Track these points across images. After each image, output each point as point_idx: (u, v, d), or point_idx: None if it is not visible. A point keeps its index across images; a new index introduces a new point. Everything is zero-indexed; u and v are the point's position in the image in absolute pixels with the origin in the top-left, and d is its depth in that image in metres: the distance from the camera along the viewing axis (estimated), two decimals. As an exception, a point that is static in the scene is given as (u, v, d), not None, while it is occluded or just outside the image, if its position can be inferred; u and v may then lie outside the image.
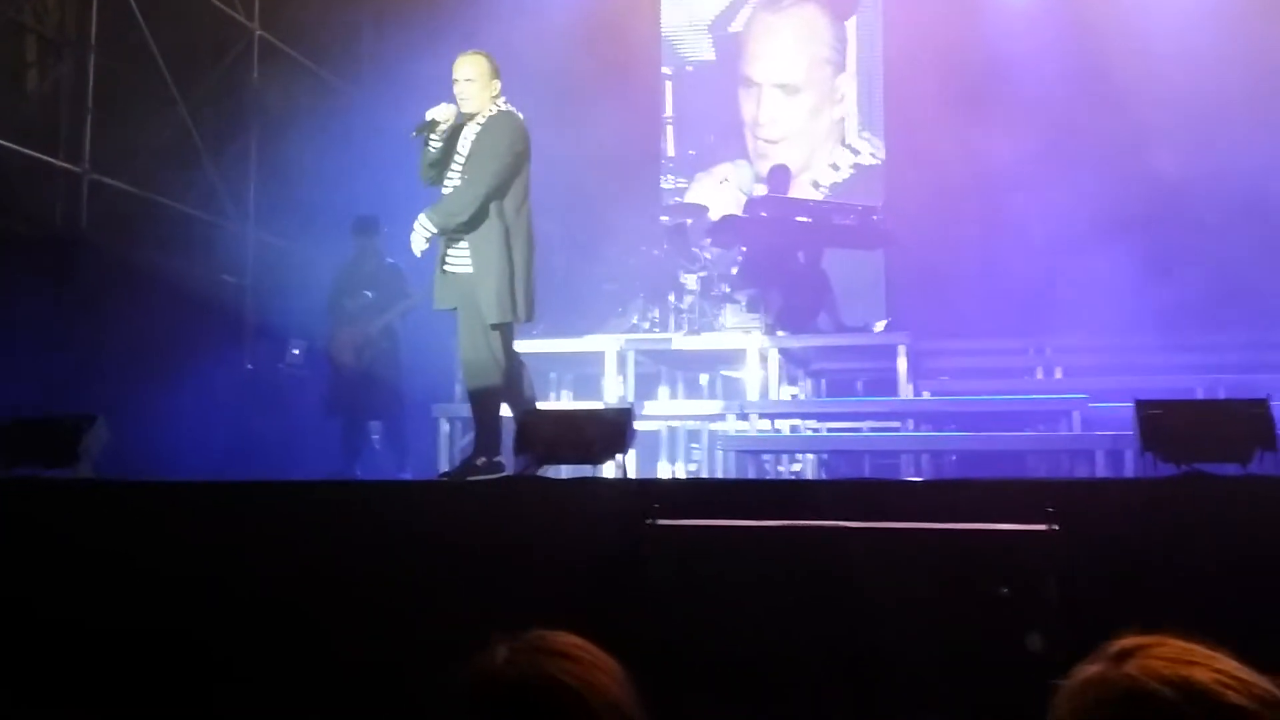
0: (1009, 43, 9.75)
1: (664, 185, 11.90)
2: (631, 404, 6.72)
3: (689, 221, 9.27)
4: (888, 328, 8.51)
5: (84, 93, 8.36)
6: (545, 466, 4.62)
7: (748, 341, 8.03)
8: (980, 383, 8.33)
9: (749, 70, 11.93)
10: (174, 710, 3.93)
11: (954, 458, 7.47)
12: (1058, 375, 8.65)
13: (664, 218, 9.92)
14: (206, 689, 3.97)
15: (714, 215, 9.71)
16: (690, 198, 11.33)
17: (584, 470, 4.61)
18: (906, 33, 11.04)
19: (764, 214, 8.90)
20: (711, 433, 7.90)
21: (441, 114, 5.40)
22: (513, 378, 5.46)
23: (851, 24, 11.80)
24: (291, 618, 4.00)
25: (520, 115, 5.50)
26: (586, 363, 8.09)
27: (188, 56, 9.27)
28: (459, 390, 6.87)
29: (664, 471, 7.90)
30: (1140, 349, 8.39)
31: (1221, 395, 7.01)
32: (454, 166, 5.44)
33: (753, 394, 7.77)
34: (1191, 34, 9.35)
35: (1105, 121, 9.71)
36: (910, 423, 7.61)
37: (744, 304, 8.85)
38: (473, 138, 5.42)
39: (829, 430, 8.20)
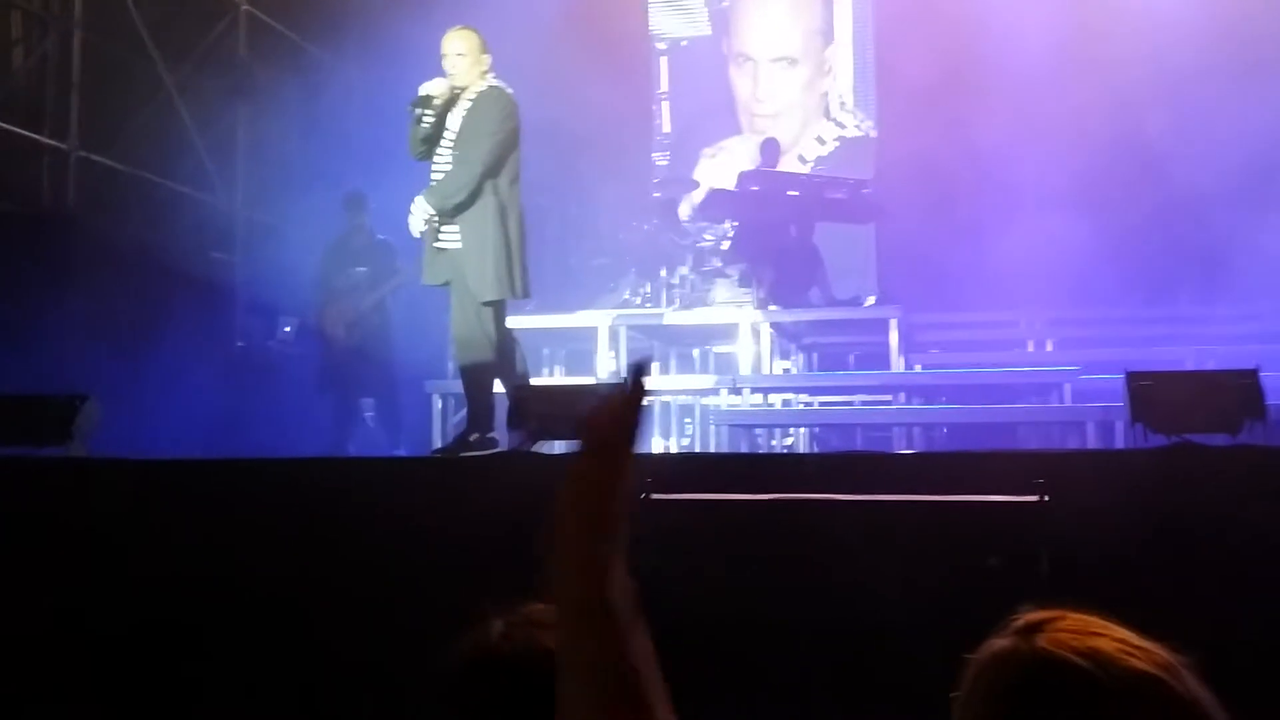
0: (998, 13, 9.72)
1: (658, 162, 11.85)
2: (624, 380, 6.72)
3: (698, 196, 9.21)
4: (879, 301, 8.52)
5: (69, 69, 8.32)
6: (539, 442, 4.63)
7: (740, 316, 8.04)
8: (972, 355, 8.34)
9: (743, 46, 11.84)
10: (169, 689, 3.94)
11: (945, 430, 7.49)
12: (1049, 348, 8.67)
13: (656, 194, 9.89)
14: (199, 667, 3.98)
15: (705, 190, 9.69)
16: (697, 174, 11.25)
17: (577, 445, 4.61)
18: (896, 2, 10.99)
19: (754, 188, 8.89)
20: (704, 407, 7.92)
21: (435, 89, 5.39)
22: (505, 353, 5.46)
23: (840, -6, 11.74)
24: (285, 595, 4.01)
25: (510, 90, 5.49)
26: (579, 338, 8.10)
27: (174, 32, 9.21)
28: (451, 366, 6.87)
29: (657, 446, 7.91)
30: (1131, 321, 8.43)
31: (1211, 366, 7.04)
32: (444, 142, 5.43)
33: (745, 368, 7.78)
34: (1181, 3, 9.33)
35: (1094, 92, 9.69)
36: (902, 396, 7.63)
37: (735, 278, 8.85)
38: (463, 113, 5.41)
39: (821, 404, 8.22)
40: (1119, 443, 5.51)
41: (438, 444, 6.69)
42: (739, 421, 6.90)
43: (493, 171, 5.33)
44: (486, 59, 5.49)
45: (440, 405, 7.44)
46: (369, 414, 8.16)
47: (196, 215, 9.20)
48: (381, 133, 7.45)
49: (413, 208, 5.35)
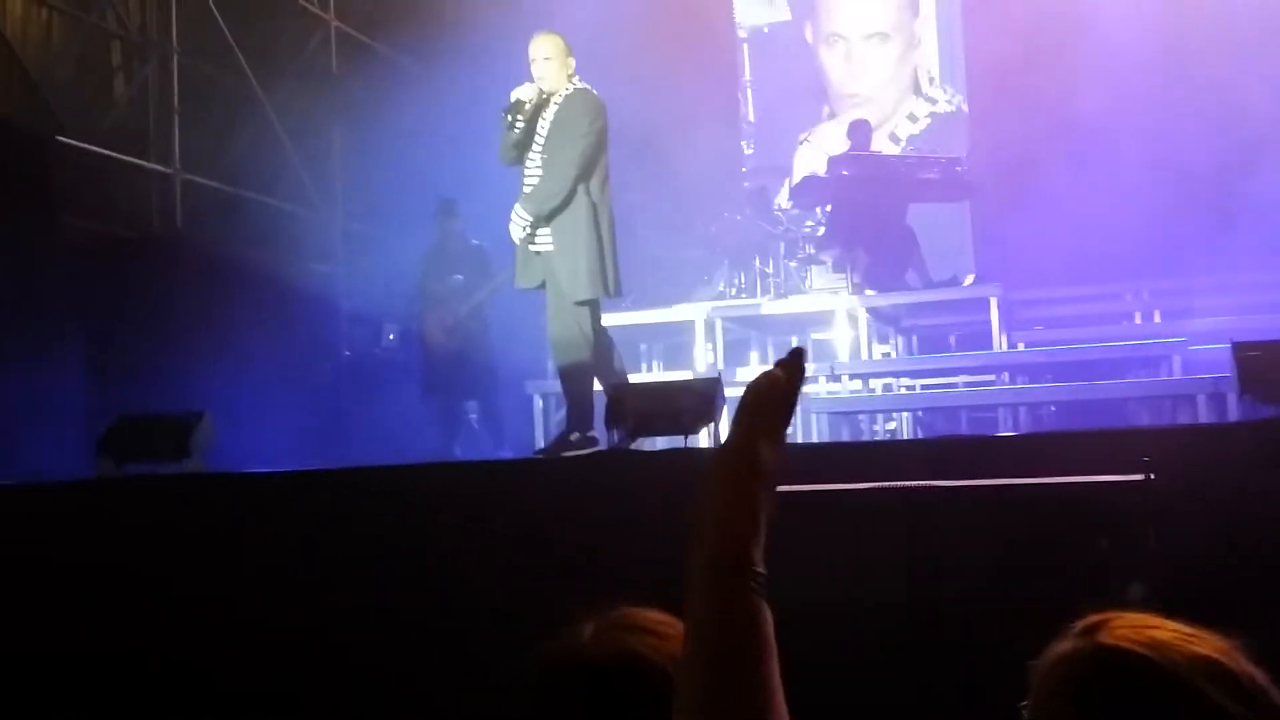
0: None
1: (745, 151, 11.80)
2: (720, 373, 6.73)
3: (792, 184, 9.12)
4: (977, 280, 8.39)
5: (170, 94, 8.57)
6: (638, 439, 4.66)
7: (836, 302, 7.98)
8: (1076, 331, 8.18)
9: (833, 25, 11.68)
10: (288, 694, 4.06)
11: (1053, 409, 7.35)
12: (1156, 319, 8.45)
13: (746, 184, 9.86)
14: (318, 672, 4.09)
15: (798, 176, 9.64)
16: (795, 162, 11.16)
17: (677, 441, 4.64)
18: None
19: (845, 172, 8.82)
20: (804, 396, 7.86)
21: (526, 94, 5.47)
22: (602, 352, 5.52)
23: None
24: (398, 598, 4.10)
25: (596, 92, 5.54)
26: (676, 332, 8.11)
27: (267, 52, 9.45)
28: (550, 367, 6.94)
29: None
30: (1243, 288, 8.15)
31: (1327, 332, 6.80)
32: (534, 146, 5.50)
33: (843, 355, 7.73)
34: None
35: (1192, 59, 9.43)
36: (1005, 376, 7.51)
37: (830, 265, 8.79)
38: (551, 117, 5.49)
39: (922, 387, 8.12)
40: (1232, 415, 5.37)
41: (540, 444, 6.76)
42: (840, 409, 6.86)
43: (585, 174, 5.40)
44: (572, 62, 5.56)
45: (541, 405, 7.53)
46: (473, 416, 8.28)
47: (297, 230, 9.42)
48: (471, 139, 7.55)
49: (513, 215, 5.45)
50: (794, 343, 8.86)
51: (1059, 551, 3.35)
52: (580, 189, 5.39)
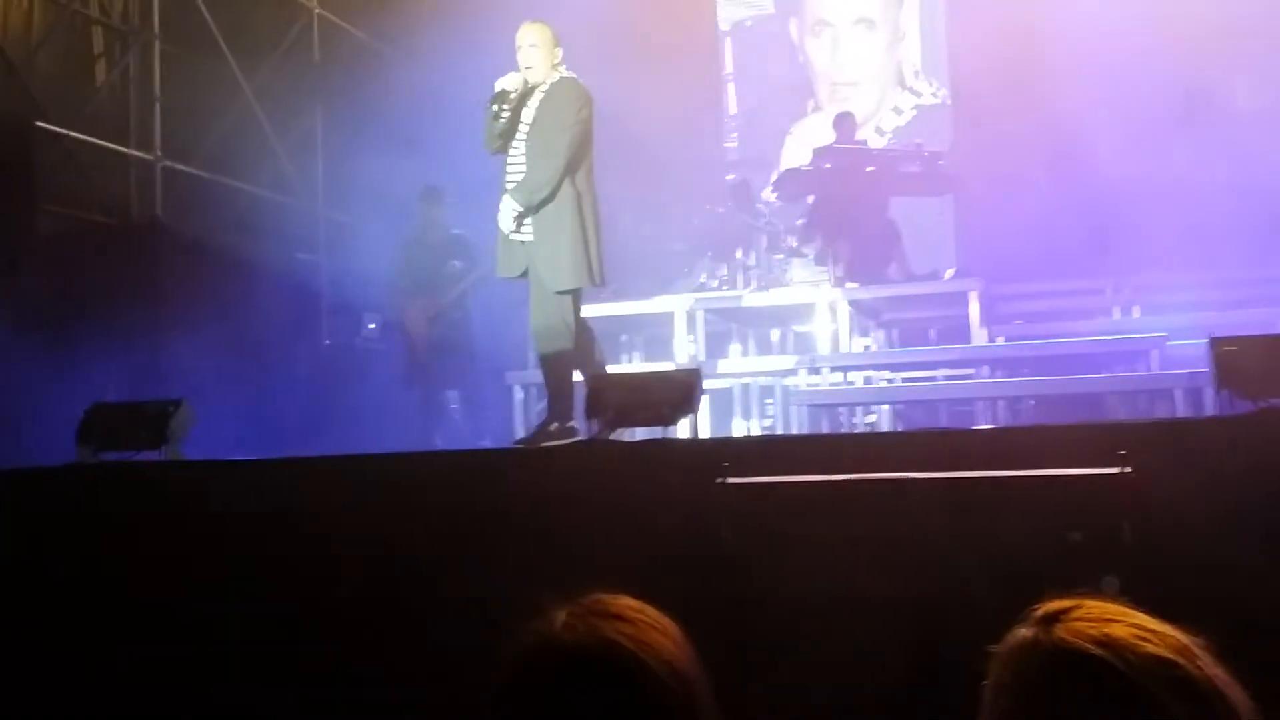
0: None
1: (727, 144, 11.81)
2: (700, 364, 6.74)
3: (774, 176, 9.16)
4: (958, 274, 8.41)
5: (151, 81, 8.52)
6: (617, 430, 4.67)
7: (817, 295, 8.00)
8: (1056, 326, 8.19)
9: (821, 12, 11.72)
10: (269, 683, 4.06)
11: (1031, 403, 7.38)
12: (1135, 314, 8.49)
13: (729, 176, 9.86)
14: (297, 660, 4.09)
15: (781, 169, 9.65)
16: (784, 156, 11.16)
17: (656, 432, 4.66)
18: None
19: (828, 165, 8.83)
20: (784, 388, 7.89)
21: (511, 83, 5.46)
22: (583, 343, 5.52)
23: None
24: (376, 587, 4.10)
25: (582, 81, 5.54)
26: (656, 324, 8.11)
27: (249, 39, 9.41)
28: (532, 357, 6.94)
29: (739, 429, 7.91)
30: (1222, 284, 8.20)
31: (1303, 328, 6.84)
32: (519, 135, 5.49)
33: (824, 347, 7.75)
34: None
35: (1173, 54, 9.47)
36: (985, 369, 7.53)
37: (811, 257, 8.80)
38: (537, 105, 5.48)
39: (903, 380, 8.13)
40: (1208, 410, 5.40)
41: (520, 434, 6.75)
42: (819, 401, 6.87)
43: (573, 164, 5.40)
44: (559, 51, 5.55)
45: (521, 396, 7.52)
46: (454, 406, 8.27)
47: (279, 218, 9.39)
48: (453, 128, 7.54)
49: (502, 206, 5.44)
50: (774, 335, 8.89)
51: (1035, 545, 3.37)
52: (566, 179, 5.39)
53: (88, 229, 8.04)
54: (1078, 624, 1.23)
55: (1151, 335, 6.81)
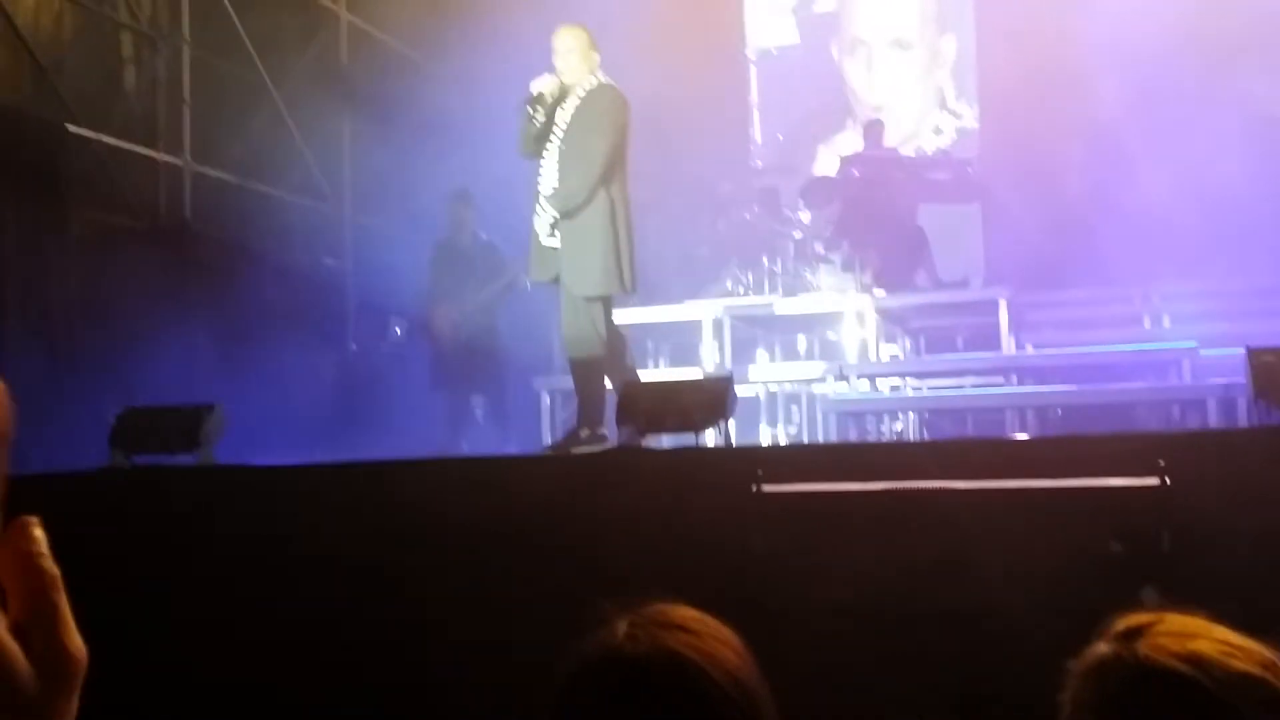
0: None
1: (756, 164, 11.80)
2: (731, 371, 6.72)
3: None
4: (986, 281, 8.38)
5: (180, 86, 8.56)
6: (648, 437, 4.66)
7: (845, 302, 7.97)
8: (1085, 334, 8.14)
9: (857, 31, 11.75)
10: (294, 687, 4.06)
11: (1060, 412, 7.33)
12: (1166, 323, 8.42)
13: (756, 183, 9.86)
14: (329, 662, 4.09)
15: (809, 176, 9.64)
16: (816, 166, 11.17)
17: (686, 439, 4.65)
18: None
19: (856, 172, 8.81)
20: (812, 395, 7.87)
21: (546, 86, 5.44)
22: (614, 349, 5.51)
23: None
24: (407, 594, 4.10)
25: (618, 87, 5.51)
26: (683, 331, 8.10)
27: (278, 44, 9.43)
28: (559, 363, 6.93)
29: (765, 436, 7.89)
30: (1255, 293, 8.12)
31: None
32: (553, 138, 5.48)
33: (851, 355, 7.72)
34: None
35: (1205, 63, 9.41)
36: (1013, 377, 7.49)
37: (839, 264, 8.78)
38: (572, 110, 5.45)
39: (930, 389, 8.10)
40: (1242, 420, 5.36)
41: (546, 440, 6.76)
42: (847, 409, 6.85)
43: (611, 170, 5.37)
44: (595, 56, 5.53)
45: (548, 402, 7.52)
46: (480, 411, 8.27)
47: (307, 223, 9.41)
48: (482, 133, 7.54)
49: (537, 210, 5.44)
50: (801, 342, 8.86)
51: (1070, 555, 3.34)
52: (601, 186, 5.38)
53: (116, 232, 8.07)
54: (1161, 639, 1.20)
55: (1182, 344, 6.77)
